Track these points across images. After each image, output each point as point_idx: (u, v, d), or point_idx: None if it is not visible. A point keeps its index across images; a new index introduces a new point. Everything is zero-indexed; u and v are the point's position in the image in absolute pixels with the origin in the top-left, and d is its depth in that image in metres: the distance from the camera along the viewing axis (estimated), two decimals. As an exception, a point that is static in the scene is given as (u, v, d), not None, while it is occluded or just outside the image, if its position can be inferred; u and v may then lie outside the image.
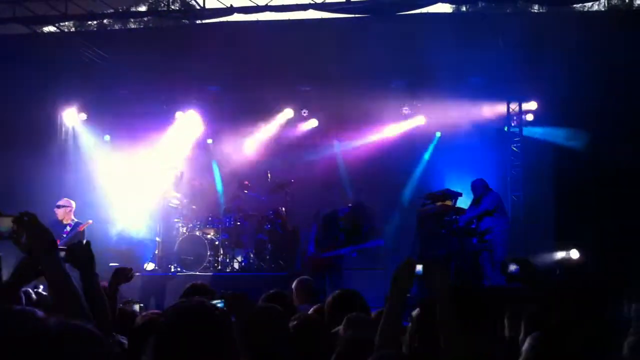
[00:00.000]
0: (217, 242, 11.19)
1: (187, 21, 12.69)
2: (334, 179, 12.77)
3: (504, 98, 12.27)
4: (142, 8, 12.67)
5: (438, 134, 12.86)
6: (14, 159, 11.12)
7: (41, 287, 5.61)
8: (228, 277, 10.58)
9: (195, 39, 12.21)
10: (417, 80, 12.21)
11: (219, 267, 11.08)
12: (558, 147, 11.85)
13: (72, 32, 13.01)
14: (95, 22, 13.04)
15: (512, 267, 3.20)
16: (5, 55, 11.47)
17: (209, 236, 11.18)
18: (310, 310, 4.81)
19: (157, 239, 11.52)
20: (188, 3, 12.44)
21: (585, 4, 12.11)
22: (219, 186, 13.09)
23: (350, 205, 9.94)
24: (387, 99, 12.49)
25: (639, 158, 10.42)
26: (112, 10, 12.11)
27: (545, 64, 11.00)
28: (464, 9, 13.18)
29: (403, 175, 12.66)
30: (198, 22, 12.48)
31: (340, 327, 3.76)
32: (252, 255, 11.29)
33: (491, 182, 10.96)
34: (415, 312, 3.52)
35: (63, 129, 12.89)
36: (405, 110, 12.69)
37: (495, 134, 12.40)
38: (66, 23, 12.72)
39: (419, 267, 3.07)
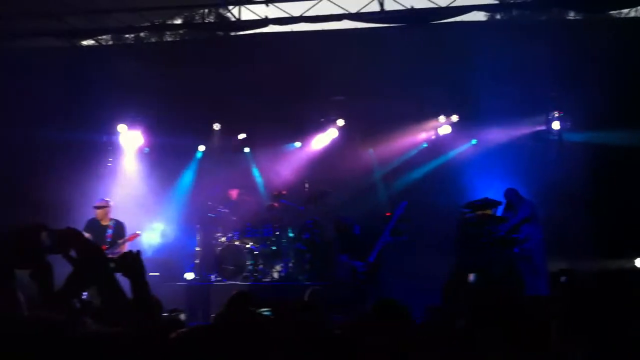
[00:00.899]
0: (256, 252, 11.25)
1: (221, 33, 12.80)
2: (370, 188, 12.77)
3: (542, 105, 12.17)
4: (178, 21, 12.80)
5: (474, 141, 12.80)
6: (55, 171, 11.30)
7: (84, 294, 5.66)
8: (268, 287, 10.62)
9: (230, 50, 12.31)
10: (452, 88, 12.16)
11: (259, 276, 11.13)
12: (598, 153, 11.72)
13: (110, 45, 13.18)
14: (132, 35, 13.23)
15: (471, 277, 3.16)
16: (44, 68, 11.65)
17: (248, 246, 11.24)
18: (348, 321, 4.81)
19: (197, 248, 11.61)
20: (223, 15, 12.58)
21: (621, 10, 12.04)
22: (258, 196, 13.14)
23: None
24: (422, 107, 12.48)
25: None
26: (148, 24, 12.31)
27: (584, 71, 10.92)
28: (498, 17, 13.13)
29: (439, 184, 12.60)
30: (232, 33, 12.58)
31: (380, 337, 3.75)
32: (291, 265, 11.32)
33: (528, 190, 10.88)
34: (464, 321, 3.53)
35: (104, 141, 13.03)
36: (441, 118, 12.66)
37: (533, 142, 12.31)
38: (104, 37, 12.93)
39: (472, 277, 3.07)
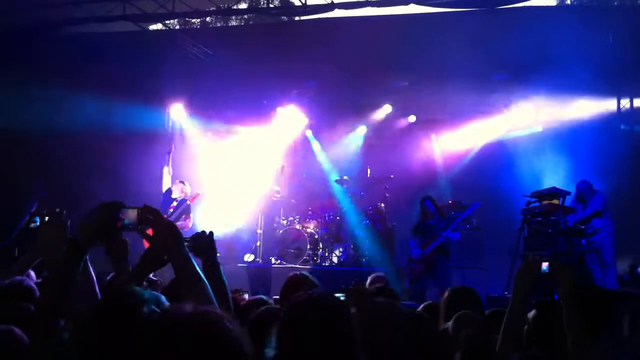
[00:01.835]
0: (316, 236, 11.31)
1: (286, 18, 12.84)
2: (432, 175, 12.64)
3: (614, 94, 11.76)
4: (243, 5, 12.94)
5: (540, 129, 12.47)
6: (124, 152, 11.61)
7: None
8: (327, 271, 10.66)
9: (294, 35, 12.33)
10: (519, 75, 11.87)
11: (318, 260, 11.20)
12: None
13: (177, 29, 13.40)
14: (198, 19, 13.42)
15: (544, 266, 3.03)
16: (115, 52, 11.94)
17: (308, 230, 11.32)
18: (420, 307, 4.78)
19: (259, 231, 11.76)
20: (288, 0, 12.62)
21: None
22: (317, 180, 13.18)
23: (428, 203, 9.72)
24: (487, 94, 12.26)
25: None
26: (214, 8, 12.44)
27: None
28: (568, 1, 12.74)
29: (504, 172, 12.35)
30: (297, 18, 12.60)
31: (449, 325, 3.72)
32: (350, 250, 11.34)
33: (598, 181, 10.56)
34: (531, 313, 3.44)
35: (169, 124, 13.31)
36: (506, 105, 12.38)
37: (604, 131, 11.90)
38: (171, 21, 13.14)
39: (545, 266, 2.97)
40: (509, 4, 11.35)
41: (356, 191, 11.95)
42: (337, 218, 11.52)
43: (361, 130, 13.17)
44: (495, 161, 12.48)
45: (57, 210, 3.06)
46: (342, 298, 4.23)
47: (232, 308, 3.14)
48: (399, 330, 3.33)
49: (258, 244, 11.77)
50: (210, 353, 1.65)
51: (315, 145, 13.44)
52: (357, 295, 4.21)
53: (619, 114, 11.80)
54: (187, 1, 12.06)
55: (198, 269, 2.45)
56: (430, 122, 12.92)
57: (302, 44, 12.06)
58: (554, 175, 11.57)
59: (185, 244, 2.80)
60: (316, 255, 11.26)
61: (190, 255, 2.53)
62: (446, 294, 4.34)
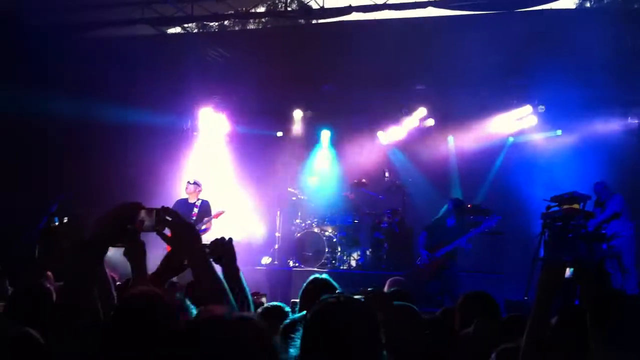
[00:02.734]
0: (334, 239, 11.29)
1: (304, 21, 12.84)
2: (450, 178, 12.56)
3: (633, 99, 11.60)
4: (261, 9, 12.93)
5: (559, 132, 12.36)
6: (143, 154, 11.67)
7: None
8: (345, 275, 10.64)
9: (312, 39, 12.34)
10: (536, 79, 11.76)
11: (336, 264, 11.18)
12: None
13: (196, 32, 13.47)
14: (216, 23, 13.47)
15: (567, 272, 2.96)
16: (134, 55, 12.02)
17: (327, 233, 11.31)
18: (438, 312, 4.75)
19: (277, 233, 11.77)
20: (305, 3, 12.60)
21: None
22: (336, 184, 13.16)
23: (450, 203, 9.68)
24: (505, 97, 12.19)
25: None
26: (232, 12, 12.48)
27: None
28: (587, 5, 12.62)
29: (522, 176, 12.24)
30: (315, 21, 12.60)
31: (470, 330, 3.68)
32: (368, 254, 11.31)
33: (619, 185, 10.43)
34: (554, 320, 3.39)
35: (189, 125, 13.38)
36: (526, 108, 12.28)
37: (622, 135, 11.76)
38: (190, 24, 13.21)
39: (569, 272, 2.92)
40: (528, 7, 11.29)
41: (374, 194, 11.92)
42: (356, 222, 11.50)
43: (379, 134, 13.11)
44: (515, 165, 12.39)
45: (77, 211, 3.06)
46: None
47: (251, 312, 3.14)
48: (418, 334, 3.31)
49: (276, 246, 11.77)
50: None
51: (333, 148, 13.40)
52: (375, 299, 4.19)
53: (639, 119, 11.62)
54: (206, 5, 12.13)
55: (216, 270, 2.44)
56: (448, 125, 12.84)
57: (320, 48, 12.08)
58: (576, 179, 11.41)
59: (205, 250, 2.81)
60: (334, 258, 11.25)
61: (210, 259, 2.53)
62: (461, 299, 4.31)
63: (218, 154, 13.17)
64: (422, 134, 13.02)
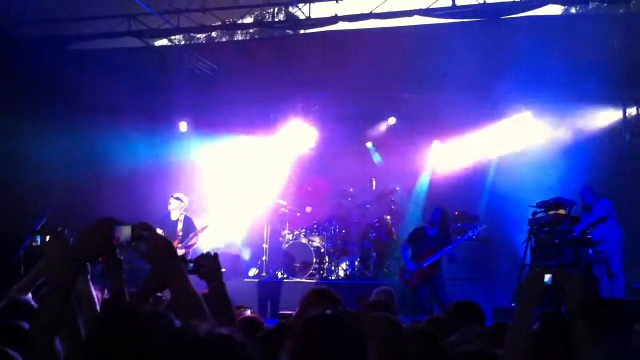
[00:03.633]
0: (322, 250, 11.29)
1: (291, 31, 12.88)
2: (437, 187, 12.59)
3: (620, 104, 11.68)
4: (249, 20, 12.94)
5: (545, 139, 12.39)
6: (130, 166, 11.67)
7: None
8: (334, 285, 10.61)
9: (300, 49, 12.38)
10: (524, 86, 11.82)
11: (325, 274, 11.18)
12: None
13: (182, 44, 13.48)
14: (203, 34, 13.49)
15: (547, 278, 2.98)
16: (120, 67, 12.03)
17: (314, 243, 11.31)
18: (424, 321, 4.76)
19: (264, 245, 11.75)
20: (293, 13, 12.65)
21: None
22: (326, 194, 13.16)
23: (437, 212, 9.69)
24: (491, 104, 12.24)
25: None
26: (219, 23, 12.50)
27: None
28: (573, 10, 12.69)
29: (509, 184, 12.29)
30: (302, 31, 12.64)
31: (453, 338, 3.69)
32: (357, 263, 11.31)
33: (606, 189, 10.46)
34: (536, 325, 3.40)
35: (175, 138, 13.37)
36: (511, 116, 12.34)
37: (609, 142, 11.82)
38: (177, 36, 13.22)
39: (548, 277, 2.93)
40: (513, 14, 11.37)
41: (362, 203, 11.93)
42: (343, 231, 11.51)
43: (366, 143, 13.14)
44: (503, 171, 12.44)
45: (59, 228, 3.07)
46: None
47: (237, 327, 3.14)
48: (401, 345, 3.31)
49: (264, 258, 11.75)
50: None
51: (321, 158, 13.40)
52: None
53: (625, 123, 11.68)
54: (192, 16, 12.15)
55: (192, 285, 2.44)
56: (434, 134, 12.88)
57: (307, 57, 12.12)
58: (560, 185, 11.47)
59: (190, 265, 2.81)
60: (322, 269, 11.24)
61: (186, 272, 2.54)
62: (448, 308, 4.32)
63: (205, 165, 13.15)
64: (409, 142, 13.06)
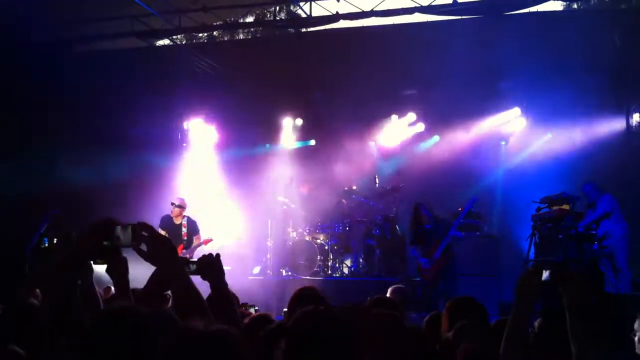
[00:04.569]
0: (326, 247, 11.31)
1: (292, 30, 12.89)
2: (441, 183, 12.56)
3: (622, 99, 11.65)
4: (250, 19, 12.97)
5: (549, 135, 12.38)
6: (133, 166, 11.69)
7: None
8: (338, 282, 10.66)
9: (301, 47, 12.38)
10: (526, 80, 11.80)
11: (329, 271, 11.20)
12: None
13: (184, 44, 13.50)
14: (205, 34, 13.51)
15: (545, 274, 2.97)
16: (123, 68, 12.06)
17: (318, 241, 11.33)
18: (426, 317, 4.76)
19: (269, 243, 11.76)
20: (294, 12, 12.66)
21: None
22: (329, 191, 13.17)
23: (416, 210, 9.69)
24: (494, 100, 12.24)
25: None
26: (220, 22, 12.53)
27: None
28: (575, 6, 12.66)
29: (512, 179, 12.28)
30: (304, 30, 12.65)
31: (450, 334, 3.68)
32: (361, 260, 11.33)
33: (608, 186, 10.44)
34: (537, 322, 3.41)
35: (178, 136, 13.41)
36: (515, 111, 12.32)
37: (611, 137, 11.78)
38: (179, 36, 13.25)
39: (546, 274, 2.93)
40: (514, 10, 11.36)
41: (365, 201, 11.94)
42: (347, 229, 11.52)
43: (370, 140, 13.15)
44: (506, 167, 12.44)
45: (67, 232, 3.09)
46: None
47: (240, 326, 3.16)
48: (402, 342, 3.32)
49: (268, 256, 11.77)
50: None
51: (322, 155, 13.39)
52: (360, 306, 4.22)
53: (627, 118, 11.63)
54: (194, 16, 12.18)
55: (194, 284, 2.46)
56: (437, 130, 12.88)
57: (309, 56, 12.14)
58: (565, 180, 11.42)
59: (193, 266, 2.83)
60: (327, 266, 11.26)
61: (187, 272, 2.55)
62: (448, 304, 4.33)
63: (208, 164, 13.18)
64: (412, 138, 13.07)
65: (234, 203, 12.47)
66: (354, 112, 12.81)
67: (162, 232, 8.55)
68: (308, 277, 10.73)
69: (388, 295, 5.84)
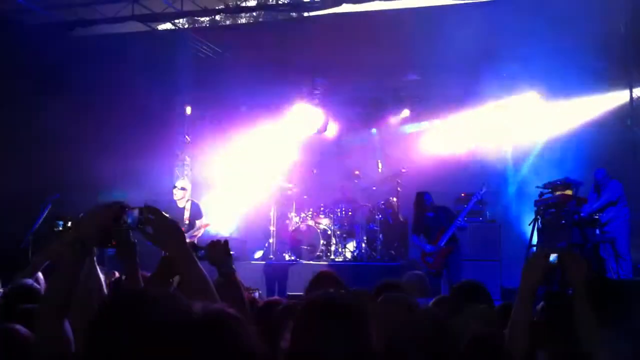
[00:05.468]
0: (329, 232, 11.31)
1: (295, 14, 12.82)
2: (444, 168, 12.54)
3: (627, 85, 11.57)
4: (252, 3, 12.89)
5: (551, 123, 12.31)
6: (135, 150, 11.66)
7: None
8: (341, 267, 10.64)
9: (304, 31, 12.32)
10: (534, 64, 11.68)
11: (332, 256, 11.21)
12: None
13: (186, 28, 13.43)
14: (207, 18, 13.44)
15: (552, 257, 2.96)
16: (124, 52, 12.00)
17: (321, 226, 11.32)
18: (430, 302, 4.75)
19: (271, 227, 11.76)
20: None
21: None
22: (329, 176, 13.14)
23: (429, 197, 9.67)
24: (499, 84, 12.15)
25: None
26: (223, 6, 12.45)
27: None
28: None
29: (513, 165, 12.25)
30: (306, 14, 12.58)
31: (458, 318, 3.68)
32: (364, 245, 11.33)
33: (613, 171, 10.41)
34: (540, 305, 3.40)
35: (179, 121, 13.37)
36: (526, 94, 12.21)
37: (616, 122, 11.71)
38: (180, 20, 13.18)
39: (553, 257, 2.91)
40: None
41: (368, 186, 11.93)
42: (350, 213, 11.51)
43: (372, 125, 13.11)
44: (511, 152, 12.40)
45: (80, 215, 3.07)
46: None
47: (247, 311, 3.15)
48: (410, 327, 3.31)
49: (271, 240, 11.77)
50: (221, 354, 1.66)
51: (326, 140, 13.37)
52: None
53: (632, 104, 11.55)
54: (196, 0, 12.10)
55: (201, 267, 2.45)
56: (440, 115, 12.82)
57: (311, 40, 12.07)
58: (570, 166, 11.37)
59: (201, 252, 2.82)
60: (329, 251, 11.27)
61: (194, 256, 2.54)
62: (453, 288, 4.33)
63: (211, 149, 13.15)
64: (414, 123, 13.03)
65: (237, 187, 12.47)
66: (357, 96, 12.77)
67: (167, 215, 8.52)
68: (311, 262, 10.74)
69: (403, 280, 5.80)
